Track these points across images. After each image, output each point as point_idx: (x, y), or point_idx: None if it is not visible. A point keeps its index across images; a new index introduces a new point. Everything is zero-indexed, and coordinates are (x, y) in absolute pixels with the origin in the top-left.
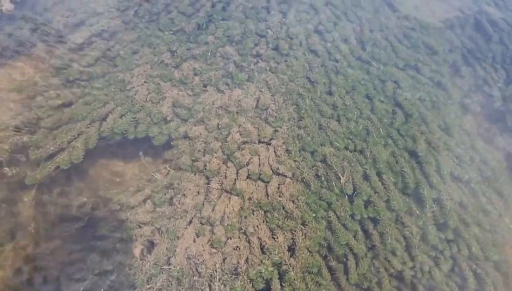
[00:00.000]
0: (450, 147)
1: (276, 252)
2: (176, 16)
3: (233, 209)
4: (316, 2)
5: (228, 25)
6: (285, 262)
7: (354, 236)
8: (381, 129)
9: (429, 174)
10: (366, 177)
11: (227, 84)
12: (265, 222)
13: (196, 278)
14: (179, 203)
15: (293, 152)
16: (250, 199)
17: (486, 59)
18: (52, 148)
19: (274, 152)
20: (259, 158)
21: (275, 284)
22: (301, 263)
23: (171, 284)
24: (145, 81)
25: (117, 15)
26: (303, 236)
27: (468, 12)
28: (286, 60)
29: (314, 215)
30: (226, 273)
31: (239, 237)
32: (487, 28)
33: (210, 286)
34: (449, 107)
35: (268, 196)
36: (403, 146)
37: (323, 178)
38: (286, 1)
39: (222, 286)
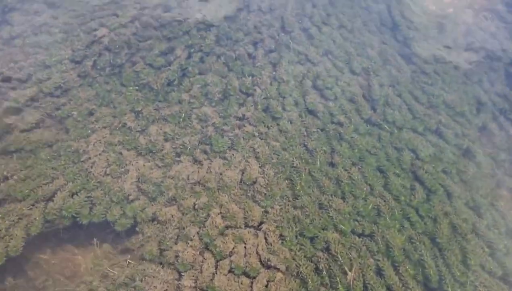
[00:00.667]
0: (480, 230)
1: None
2: (143, 69)
3: None
4: (312, 52)
5: (206, 80)
6: None
7: None
8: (396, 210)
9: (453, 265)
10: (378, 270)
11: (206, 153)
12: None
13: None
14: None
15: (288, 238)
16: None
17: None
18: None
19: (265, 238)
20: (245, 247)
21: None
22: None
23: None
24: (103, 150)
25: (72, 67)
26: None
27: (497, 53)
28: (278, 124)
29: None
30: None
31: None
32: None
33: None
34: (479, 180)
35: None
36: (423, 229)
37: (324, 272)
38: (277, 49)
39: None
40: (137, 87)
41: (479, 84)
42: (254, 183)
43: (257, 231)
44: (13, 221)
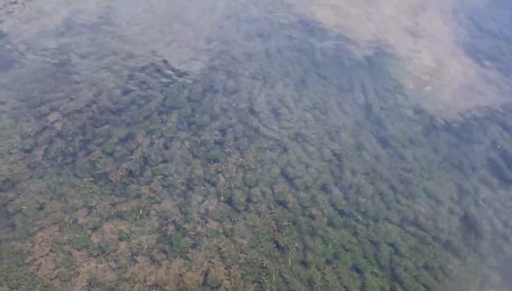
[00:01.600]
0: None
1: None
2: (100, 158)
3: None
4: (283, 136)
5: (169, 169)
6: None
7: None
8: None
9: None
10: None
11: (165, 253)
12: None
13: None
14: None
15: None
16: None
17: (507, 209)
18: None
19: None
20: None
21: None
22: None
23: None
24: (51, 250)
25: (21, 157)
26: None
27: (477, 134)
28: (245, 218)
29: None
30: None
31: None
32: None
33: None
34: (463, 276)
35: None
36: None
37: None
38: (246, 134)
39: None
40: (92, 179)
41: (460, 168)
42: (219, 286)
43: None
44: None
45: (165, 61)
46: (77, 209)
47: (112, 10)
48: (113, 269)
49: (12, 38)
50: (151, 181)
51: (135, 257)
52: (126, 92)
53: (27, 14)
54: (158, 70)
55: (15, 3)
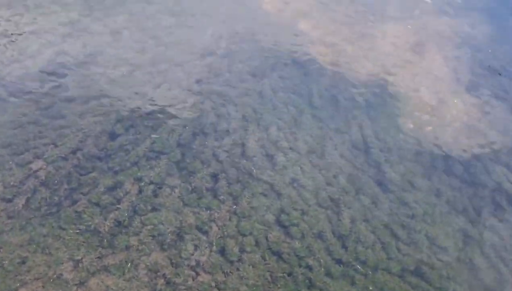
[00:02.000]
0: None
1: None
2: (86, 208)
3: None
4: (278, 182)
5: (160, 218)
6: None
7: None
8: None
9: None
10: None
11: None
12: None
13: None
14: None
15: None
16: None
17: None
18: None
19: None
20: None
21: None
22: None
23: None
24: None
25: (2, 207)
26: None
27: (481, 177)
28: (238, 269)
29: None
30: None
31: None
32: None
33: None
34: None
35: None
36: None
37: None
38: (239, 180)
39: None
40: (78, 230)
41: (464, 213)
42: None
43: None
44: None
45: (154, 104)
46: (62, 263)
47: (98, 51)
48: None
49: None
50: (140, 232)
51: None
52: (113, 137)
53: (10, 56)
54: (147, 113)
55: None
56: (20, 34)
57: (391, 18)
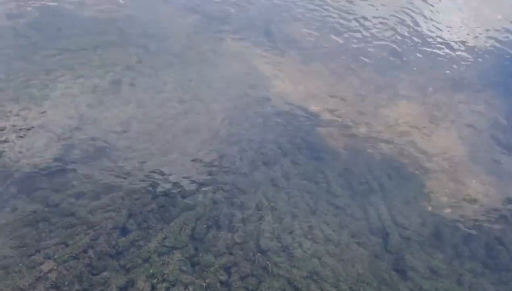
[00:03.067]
0: None
1: None
2: None
3: None
4: (296, 275)
5: None
6: None
7: None
8: None
9: None
10: None
11: None
12: None
13: None
14: None
15: None
16: None
17: None
18: None
19: None
20: None
21: None
22: None
23: None
24: None
25: None
26: None
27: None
28: None
29: None
30: None
31: None
32: None
33: None
34: None
35: None
36: None
37: None
38: (254, 274)
39: None
40: None
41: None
42: None
43: None
44: None
45: (165, 195)
46: None
47: (107, 144)
48: None
49: (3, 179)
50: None
51: None
52: (125, 233)
53: (18, 152)
54: (159, 206)
55: (5, 141)
56: (28, 129)
57: (403, 96)
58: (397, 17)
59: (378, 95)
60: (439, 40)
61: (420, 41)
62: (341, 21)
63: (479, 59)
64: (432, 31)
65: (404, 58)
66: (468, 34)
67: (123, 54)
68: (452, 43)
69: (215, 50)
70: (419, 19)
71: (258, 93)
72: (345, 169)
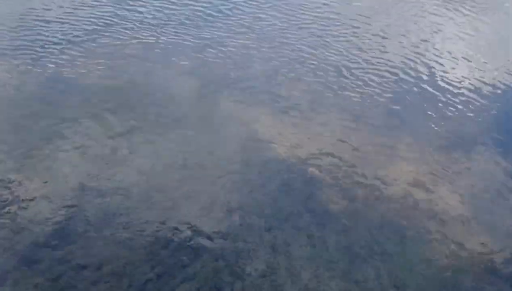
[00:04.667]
0: None
1: None
2: None
3: None
4: None
5: None
6: None
7: None
8: None
9: None
10: None
11: None
12: None
13: None
14: None
15: None
16: None
17: None
18: None
19: None
20: None
21: None
22: None
23: None
24: None
25: None
26: None
27: None
28: None
29: None
30: None
31: None
32: None
33: None
34: None
35: None
36: None
37: None
38: None
39: None
40: None
41: None
42: None
43: None
44: None
45: (164, 264)
46: None
47: (110, 214)
48: None
49: (4, 251)
50: None
51: None
52: None
53: (20, 223)
54: (158, 276)
55: (8, 212)
56: (31, 200)
57: (403, 156)
58: (396, 70)
59: (378, 156)
60: (442, 93)
61: (421, 96)
62: (342, 80)
63: (485, 113)
64: (434, 84)
65: (404, 116)
66: (473, 83)
67: (123, 121)
68: (456, 96)
69: (215, 115)
70: (422, 69)
71: (258, 157)
72: (345, 232)
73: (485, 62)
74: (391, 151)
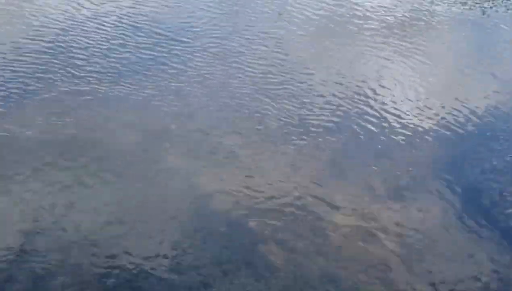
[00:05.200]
0: None
1: None
2: None
3: None
4: None
5: None
6: None
7: None
8: None
9: None
10: None
11: None
12: None
13: None
14: None
15: None
16: None
17: None
18: None
19: None
20: None
21: None
22: None
23: None
24: None
25: None
26: None
27: None
28: None
29: None
30: None
31: None
32: None
33: None
34: None
35: None
36: None
37: None
38: None
39: None
40: None
41: None
42: None
43: None
44: None
45: None
46: None
47: (45, 274)
48: None
49: None
50: None
51: None
52: None
53: None
54: None
55: None
56: None
57: (340, 208)
58: (336, 118)
59: (317, 207)
60: (382, 141)
61: (361, 145)
62: (282, 130)
63: (426, 161)
64: (375, 132)
65: (344, 165)
66: (415, 129)
67: (62, 176)
68: (397, 143)
69: (156, 168)
70: (363, 117)
71: (197, 211)
72: (285, 287)
73: (427, 107)
74: (330, 201)
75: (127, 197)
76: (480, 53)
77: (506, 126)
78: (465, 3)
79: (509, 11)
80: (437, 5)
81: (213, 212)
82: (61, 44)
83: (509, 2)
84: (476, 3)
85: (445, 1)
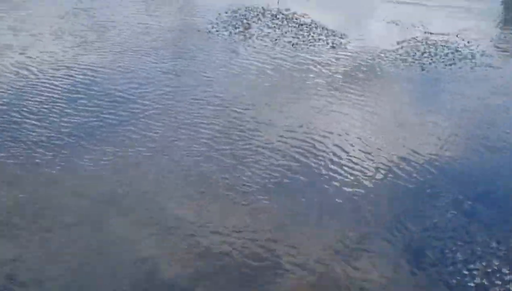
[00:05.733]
0: None
1: None
2: None
3: None
4: None
5: None
6: None
7: None
8: None
9: None
10: None
11: None
12: None
13: None
14: None
15: None
16: None
17: None
18: None
19: None
20: None
21: None
22: None
23: None
24: None
25: None
26: None
27: None
28: None
29: None
30: None
31: None
32: None
33: None
34: None
35: None
36: None
37: None
38: None
39: None
40: None
41: None
42: None
43: None
44: None
45: None
46: None
47: None
48: None
49: None
50: None
51: None
52: None
53: None
54: None
55: None
56: None
57: (287, 271)
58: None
59: (264, 270)
60: (329, 196)
61: (310, 202)
62: (230, 194)
63: (374, 214)
64: (323, 186)
65: (291, 227)
66: (362, 177)
67: (5, 251)
68: (344, 195)
69: (101, 238)
70: (309, 173)
71: (144, 283)
72: None
73: (370, 159)
74: (276, 261)
75: (71, 272)
76: (421, 104)
77: (446, 181)
78: (405, 60)
79: (447, 67)
80: (380, 61)
81: (159, 282)
82: (5, 108)
83: (446, 58)
84: (416, 60)
85: (386, 59)
